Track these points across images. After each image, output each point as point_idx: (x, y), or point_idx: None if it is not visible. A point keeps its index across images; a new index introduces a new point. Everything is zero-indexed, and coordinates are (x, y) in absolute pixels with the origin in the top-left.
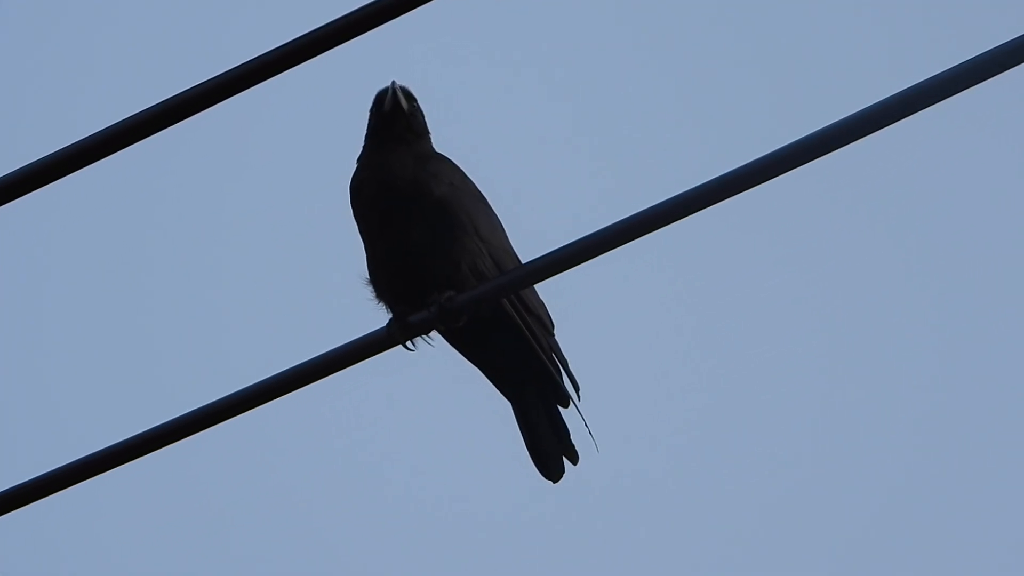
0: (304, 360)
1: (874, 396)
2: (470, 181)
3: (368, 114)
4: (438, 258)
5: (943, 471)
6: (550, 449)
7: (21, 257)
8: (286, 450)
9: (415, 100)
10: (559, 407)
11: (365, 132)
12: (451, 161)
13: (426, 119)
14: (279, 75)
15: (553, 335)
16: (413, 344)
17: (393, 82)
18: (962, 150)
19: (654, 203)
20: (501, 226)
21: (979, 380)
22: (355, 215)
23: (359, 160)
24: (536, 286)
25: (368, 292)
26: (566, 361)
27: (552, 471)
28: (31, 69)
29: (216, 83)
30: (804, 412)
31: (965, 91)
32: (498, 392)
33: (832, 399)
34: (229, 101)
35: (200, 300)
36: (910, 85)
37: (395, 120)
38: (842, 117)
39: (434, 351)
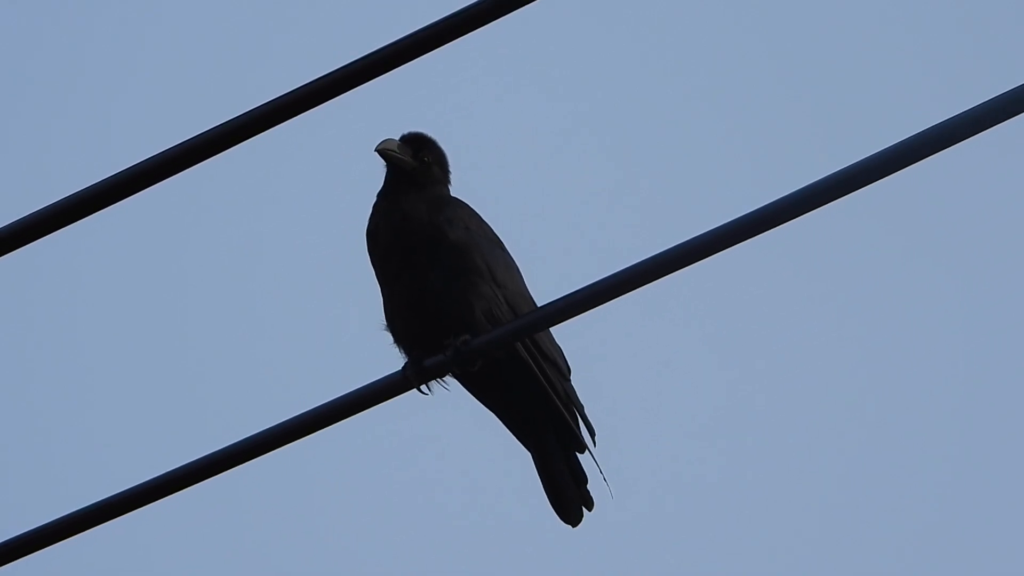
0: (319, 404)
1: (898, 445)
2: (486, 226)
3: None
4: (453, 303)
5: (969, 509)
6: (568, 494)
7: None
8: (305, 495)
9: (430, 147)
10: (577, 452)
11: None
12: (467, 206)
13: (446, 162)
14: (299, 116)
15: (569, 380)
16: (428, 388)
17: (383, 142)
18: (996, 179)
19: (669, 246)
20: (518, 270)
21: (1001, 404)
22: (372, 260)
23: (374, 205)
24: (554, 331)
25: (386, 337)
26: (582, 407)
27: (571, 515)
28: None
29: (232, 126)
30: (822, 453)
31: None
32: (516, 439)
33: (852, 437)
34: (248, 143)
35: (217, 346)
36: (923, 129)
37: (403, 170)
38: (859, 160)
39: (454, 396)
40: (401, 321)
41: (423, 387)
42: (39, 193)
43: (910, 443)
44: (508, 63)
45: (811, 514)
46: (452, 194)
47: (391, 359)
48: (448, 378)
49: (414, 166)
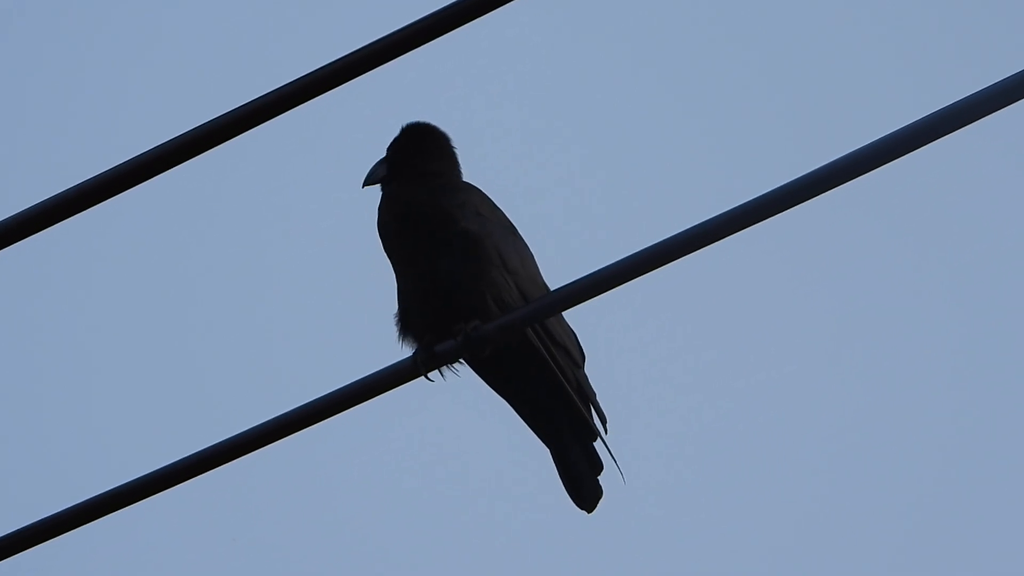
0: (330, 391)
1: (917, 432)
2: (499, 210)
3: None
4: (464, 290)
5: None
6: (583, 480)
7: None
8: (316, 484)
9: (398, 142)
10: (590, 439)
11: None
12: (479, 190)
13: (453, 152)
14: (309, 102)
15: (581, 367)
16: (440, 374)
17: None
18: (988, 173)
19: (682, 229)
20: (531, 256)
21: (1001, 400)
22: (384, 250)
23: (381, 196)
24: (570, 316)
25: (395, 329)
26: (594, 393)
27: (586, 500)
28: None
29: (240, 113)
30: (836, 440)
31: (985, 117)
32: (530, 428)
33: (867, 427)
34: (261, 128)
35: (227, 334)
36: (923, 116)
37: (410, 159)
38: (872, 140)
39: (469, 383)
40: (413, 308)
41: (432, 373)
42: (44, 184)
43: (941, 417)
44: (521, 47)
45: (820, 500)
46: (465, 179)
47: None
48: (459, 365)
49: (384, 173)
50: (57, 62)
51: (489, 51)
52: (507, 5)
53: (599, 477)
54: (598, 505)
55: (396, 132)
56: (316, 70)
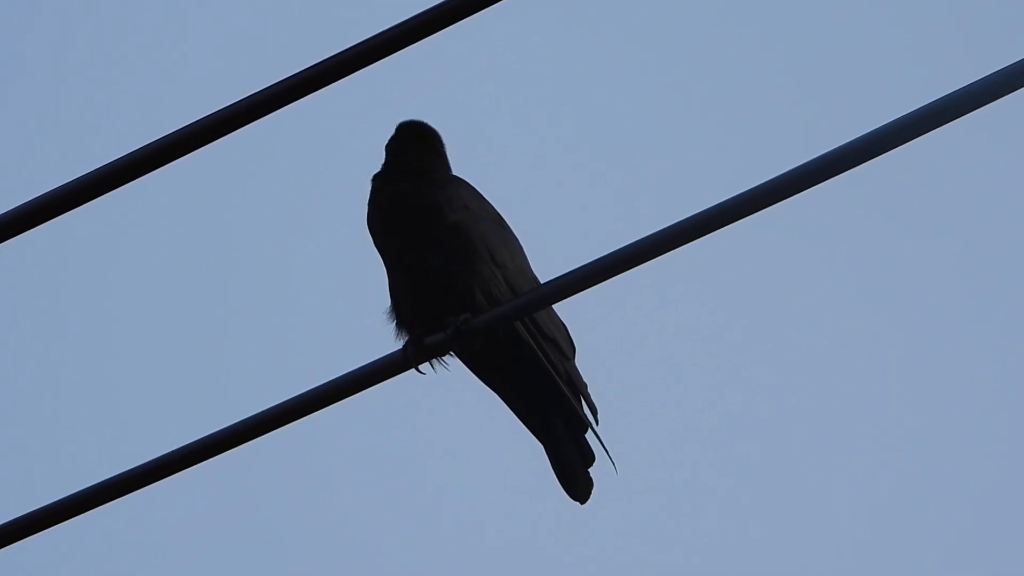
0: (320, 383)
1: (915, 434)
2: (488, 204)
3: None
4: (453, 284)
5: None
6: (576, 471)
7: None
8: (305, 478)
9: (428, 138)
10: (581, 432)
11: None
12: (468, 184)
13: (443, 149)
14: (298, 101)
15: (572, 360)
16: (431, 366)
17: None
18: (988, 162)
19: (671, 222)
20: (520, 249)
21: (1004, 394)
22: (373, 243)
23: (370, 191)
24: (561, 310)
25: (387, 322)
26: (585, 385)
27: (579, 492)
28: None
29: (236, 110)
30: (825, 432)
31: (985, 106)
32: (521, 422)
33: (857, 421)
34: (255, 125)
35: (217, 325)
36: (922, 105)
37: (400, 155)
38: (870, 130)
39: (460, 376)
40: (404, 302)
41: (423, 366)
42: (42, 179)
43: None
44: (514, 44)
45: (811, 492)
46: (455, 174)
47: (392, 340)
48: (449, 358)
49: (421, 150)
50: (58, 58)
51: (484, 48)
52: (498, 4)
53: (591, 468)
54: (590, 496)
55: (391, 131)
56: (315, 65)
